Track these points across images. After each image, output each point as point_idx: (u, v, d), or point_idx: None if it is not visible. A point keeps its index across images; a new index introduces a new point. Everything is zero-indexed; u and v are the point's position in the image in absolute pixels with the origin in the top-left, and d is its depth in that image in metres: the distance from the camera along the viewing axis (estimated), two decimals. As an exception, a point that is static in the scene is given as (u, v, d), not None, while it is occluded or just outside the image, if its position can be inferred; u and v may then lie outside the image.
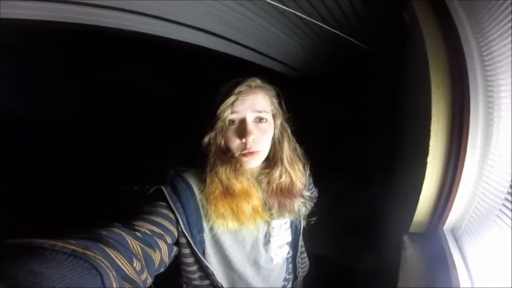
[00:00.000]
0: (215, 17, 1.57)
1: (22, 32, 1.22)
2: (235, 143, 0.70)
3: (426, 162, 0.93)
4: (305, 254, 0.98)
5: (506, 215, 0.69)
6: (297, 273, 0.92)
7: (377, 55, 1.75)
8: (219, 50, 1.84)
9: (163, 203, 0.65)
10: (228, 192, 0.69)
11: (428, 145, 0.91)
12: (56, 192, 1.31)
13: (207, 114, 0.73)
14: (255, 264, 0.79)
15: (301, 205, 0.82)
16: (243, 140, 0.69)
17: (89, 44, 1.44)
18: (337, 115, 2.11)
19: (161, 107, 1.73)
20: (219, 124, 0.70)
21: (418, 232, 1.06)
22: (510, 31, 0.69)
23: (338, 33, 1.57)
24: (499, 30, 0.74)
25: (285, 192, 0.78)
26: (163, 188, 0.66)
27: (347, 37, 1.60)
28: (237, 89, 0.70)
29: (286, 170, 0.77)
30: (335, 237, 1.76)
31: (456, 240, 0.92)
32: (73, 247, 0.35)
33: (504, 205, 0.71)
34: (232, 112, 0.70)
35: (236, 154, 0.70)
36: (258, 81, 0.76)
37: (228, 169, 0.69)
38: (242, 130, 0.69)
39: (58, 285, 0.30)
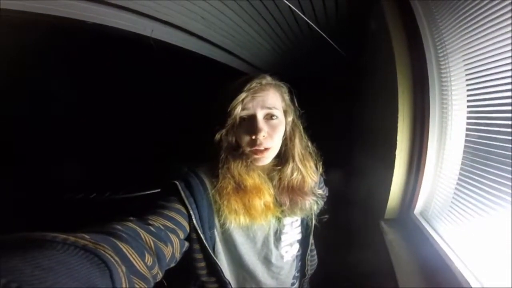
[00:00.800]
0: (198, 16, 1.55)
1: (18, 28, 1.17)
2: (246, 139, 0.69)
3: (394, 155, 1.08)
4: (315, 252, 0.97)
5: (462, 191, 0.83)
6: (305, 271, 0.91)
7: (343, 59, 1.87)
8: (199, 51, 1.82)
9: (176, 198, 0.64)
10: (240, 188, 0.68)
11: (396, 140, 1.06)
12: (59, 190, 1.30)
13: (216, 111, 0.71)
14: (266, 261, 0.78)
15: (313, 203, 0.80)
16: (253, 137, 0.67)
17: (90, 44, 1.39)
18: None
19: (163, 107, 1.72)
20: (230, 121, 0.68)
21: (392, 217, 1.17)
22: (462, 45, 0.82)
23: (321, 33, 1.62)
24: (454, 43, 0.87)
25: (296, 190, 0.76)
26: (177, 183, 0.65)
27: (322, 33, 1.64)
28: (248, 86, 0.69)
29: (298, 167, 0.76)
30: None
31: (427, 221, 1.01)
32: (85, 242, 0.35)
33: (458, 183, 0.85)
34: (243, 109, 0.68)
35: (247, 151, 0.69)
36: (268, 78, 0.74)
37: (239, 165, 0.69)
38: (252, 127, 0.68)
39: (66, 279, 0.29)
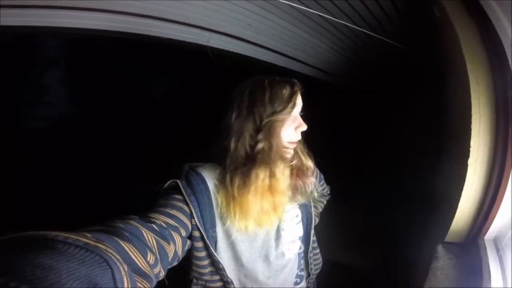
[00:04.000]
0: (244, 23, 1.57)
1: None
2: (292, 135, 0.71)
3: (466, 165, 0.82)
4: (318, 250, 0.93)
5: None
6: (309, 270, 0.88)
7: (407, 54, 1.62)
8: (252, 56, 1.83)
9: (178, 196, 0.65)
10: (268, 190, 0.67)
11: (469, 146, 0.80)
12: (60, 191, 1.31)
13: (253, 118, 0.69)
14: (266, 259, 0.77)
15: (313, 187, 0.78)
16: (303, 129, 0.71)
17: (95, 46, 1.47)
18: (364, 114, 1.98)
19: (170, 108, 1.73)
20: (285, 116, 0.69)
21: (455, 241, 0.94)
22: None
23: (366, 31, 1.47)
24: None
25: (298, 173, 0.76)
26: (178, 181, 0.66)
27: (373, 34, 1.50)
28: (290, 85, 0.71)
29: (296, 151, 0.76)
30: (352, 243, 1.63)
31: (498, 250, 0.82)
32: (86, 240, 0.34)
33: None
34: (295, 106, 0.70)
35: (288, 147, 0.71)
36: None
37: (262, 170, 0.66)
38: (299, 121, 0.72)
39: (66, 278, 0.29)
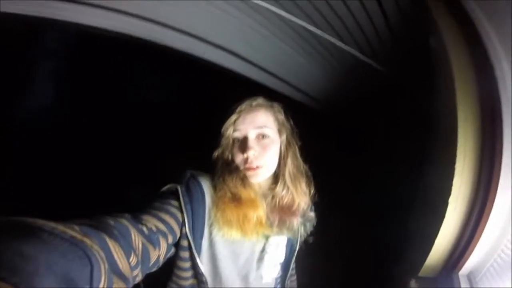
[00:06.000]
0: (242, 40, 1.51)
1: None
2: (239, 158, 0.71)
3: (447, 203, 0.79)
4: (295, 277, 0.95)
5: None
6: None
7: (396, 79, 1.59)
8: (245, 74, 1.75)
9: (174, 202, 0.65)
10: (235, 199, 0.68)
11: (451, 185, 0.78)
12: (57, 193, 1.26)
13: (216, 131, 0.75)
14: (245, 279, 0.75)
15: (300, 225, 0.78)
16: (245, 155, 0.69)
17: (95, 47, 1.41)
18: (350, 142, 1.93)
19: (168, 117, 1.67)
20: (224, 141, 0.73)
21: (429, 275, 0.93)
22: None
23: (369, 60, 1.43)
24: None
25: (285, 209, 0.74)
26: (178, 187, 0.66)
27: (368, 60, 1.46)
28: (238, 108, 0.73)
29: (287, 186, 0.74)
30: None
31: (472, 286, 0.83)
32: (73, 233, 0.34)
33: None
34: (235, 130, 0.72)
35: (241, 168, 0.71)
36: (259, 100, 0.76)
37: (234, 178, 0.69)
38: (243, 146, 0.70)
39: (44, 271, 0.28)
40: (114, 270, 0.40)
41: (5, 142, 1.24)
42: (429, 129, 1.13)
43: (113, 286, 0.39)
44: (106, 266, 0.37)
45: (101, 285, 0.35)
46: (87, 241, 0.35)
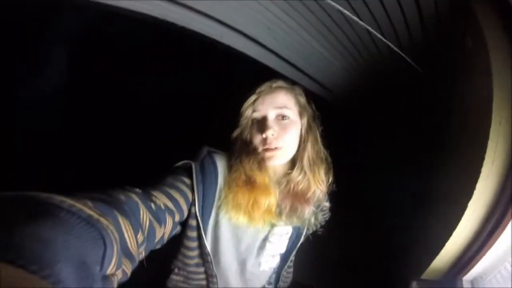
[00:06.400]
0: (264, 26, 1.43)
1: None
2: (258, 138, 0.69)
3: (466, 206, 0.77)
4: (292, 269, 0.93)
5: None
6: (277, 286, 0.87)
7: (422, 75, 1.53)
8: (263, 61, 1.67)
9: (186, 180, 0.63)
10: (249, 183, 0.66)
11: (473, 188, 0.75)
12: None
13: (232, 112, 0.74)
14: (242, 265, 0.75)
15: (312, 214, 0.75)
16: (264, 135, 0.67)
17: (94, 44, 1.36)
18: (365, 136, 1.89)
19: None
20: (243, 121, 0.71)
21: (432, 278, 0.91)
22: None
23: (390, 44, 1.36)
24: None
25: (299, 196, 0.71)
26: (192, 165, 0.64)
27: (400, 53, 1.38)
28: (258, 89, 0.72)
29: (305, 171, 0.71)
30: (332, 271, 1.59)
31: None
32: (90, 212, 0.33)
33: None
34: (254, 111, 0.71)
35: (259, 150, 0.68)
36: (279, 82, 0.74)
37: (252, 160, 0.67)
38: (263, 126, 0.68)
39: (60, 256, 0.27)
40: (123, 249, 0.39)
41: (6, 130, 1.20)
42: (450, 130, 1.11)
43: (122, 267, 0.38)
44: (119, 247, 0.36)
45: (111, 266, 0.34)
46: (103, 221, 0.34)
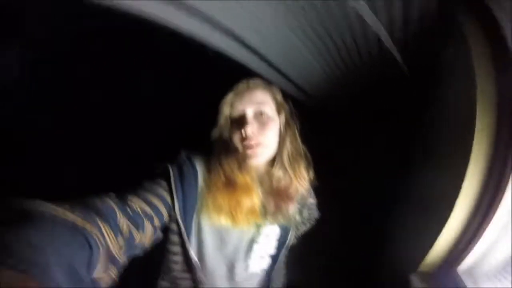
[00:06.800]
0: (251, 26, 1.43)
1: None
2: (237, 136, 0.67)
3: (454, 204, 0.83)
4: (283, 270, 0.92)
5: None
6: (269, 287, 0.85)
7: (408, 83, 1.57)
8: (245, 63, 1.62)
9: (165, 184, 0.62)
10: (230, 184, 0.65)
11: (461, 183, 0.81)
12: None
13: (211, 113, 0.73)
14: (231, 267, 0.73)
15: (296, 212, 0.76)
16: (243, 132, 0.65)
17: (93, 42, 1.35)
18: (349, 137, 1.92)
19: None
20: (222, 120, 0.70)
21: (428, 271, 0.94)
22: None
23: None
24: None
25: (282, 193, 0.72)
26: (170, 168, 0.63)
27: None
28: (235, 87, 0.71)
29: (285, 168, 0.72)
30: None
31: (472, 281, 0.83)
32: (74, 217, 0.34)
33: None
34: (232, 109, 0.70)
35: (240, 148, 0.67)
36: (257, 80, 0.74)
37: (232, 161, 0.67)
38: (242, 123, 0.67)
39: (54, 262, 0.28)
40: (107, 253, 0.39)
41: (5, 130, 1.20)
42: (435, 131, 1.17)
43: (108, 272, 0.39)
44: (104, 251, 0.37)
45: (98, 269, 0.35)
46: (88, 226, 0.35)
